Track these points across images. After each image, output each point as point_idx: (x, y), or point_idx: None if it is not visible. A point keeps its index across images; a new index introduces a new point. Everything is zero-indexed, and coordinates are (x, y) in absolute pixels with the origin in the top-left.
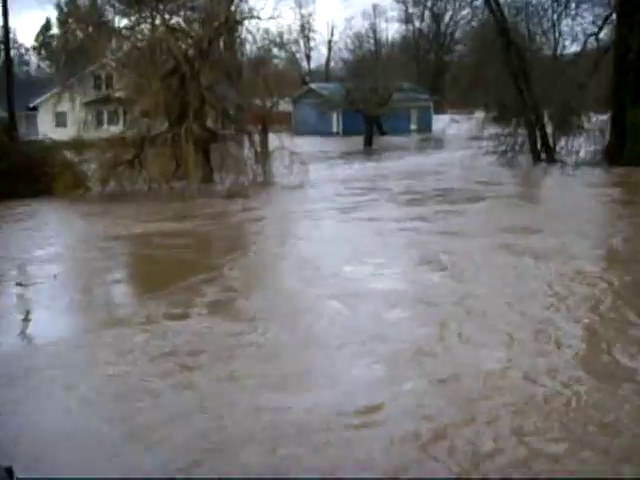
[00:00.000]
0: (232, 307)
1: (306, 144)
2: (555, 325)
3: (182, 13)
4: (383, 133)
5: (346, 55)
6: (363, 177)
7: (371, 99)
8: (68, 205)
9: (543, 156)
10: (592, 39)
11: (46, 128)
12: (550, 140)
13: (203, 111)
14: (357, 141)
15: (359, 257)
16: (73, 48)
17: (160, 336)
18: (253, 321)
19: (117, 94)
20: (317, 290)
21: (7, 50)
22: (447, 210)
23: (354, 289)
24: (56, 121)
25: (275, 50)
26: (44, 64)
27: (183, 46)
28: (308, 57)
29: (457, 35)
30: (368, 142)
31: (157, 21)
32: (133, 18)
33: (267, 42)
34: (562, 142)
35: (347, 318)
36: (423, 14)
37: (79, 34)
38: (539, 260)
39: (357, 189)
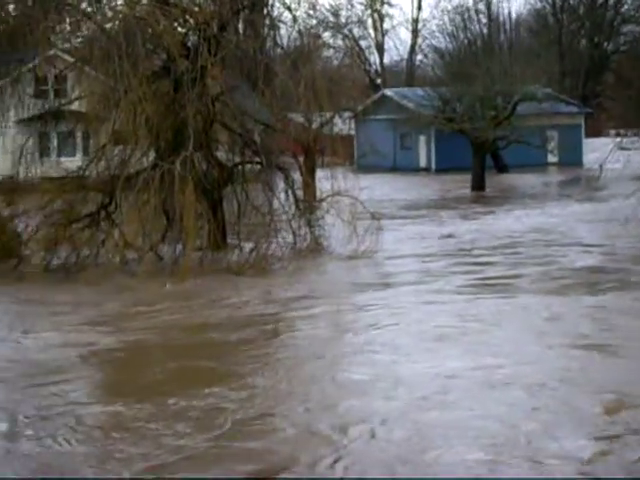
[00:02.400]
0: None
1: (377, 186)
2: None
3: None
4: (502, 169)
5: (442, 43)
6: (468, 245)
7: (483, 114)
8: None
9: None
10: None
11: None
12: None
13: (210, 134)
14: (459, 181)
15: None
16: (2, 31)
17: None
18: None
19: (74, 106)
20: None
21: None
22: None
23: None
24: None
25: (327, 36)
26: None
27: (179, 30)
28: (380, 47)
29: (625, 8)
30: (477, 184)
31: None
32: None
33: (314, 24)
34: None
35: None
36: None
37: (12, 9)
38: None
39: (455, 266)
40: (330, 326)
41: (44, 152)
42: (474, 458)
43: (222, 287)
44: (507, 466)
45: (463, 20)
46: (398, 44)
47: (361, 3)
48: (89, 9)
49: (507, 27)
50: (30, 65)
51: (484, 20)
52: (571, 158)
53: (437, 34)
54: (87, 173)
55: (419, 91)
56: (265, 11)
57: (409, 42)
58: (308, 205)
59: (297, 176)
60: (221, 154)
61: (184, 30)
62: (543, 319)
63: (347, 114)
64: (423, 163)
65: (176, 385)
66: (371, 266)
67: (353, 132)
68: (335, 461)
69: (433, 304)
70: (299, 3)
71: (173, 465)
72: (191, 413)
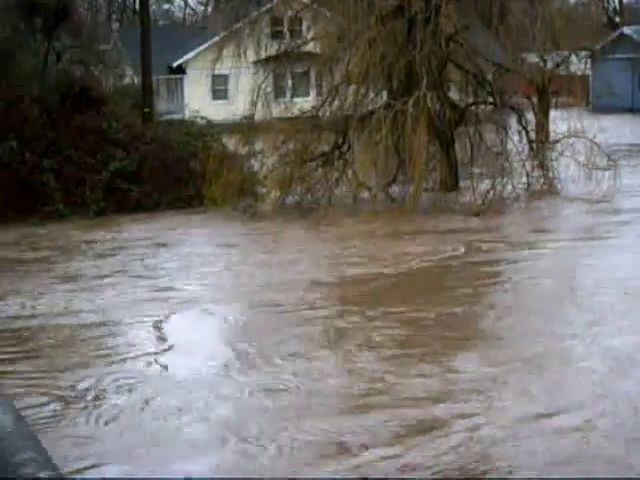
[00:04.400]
0: None
1: (614, 128)
2: None
3: None
4: None
5: None
6: None
7: None
8: (229, 224)
9: None
10: None
11: (197, 100)
12: None
13: (443, 75)
14: None
15: None
16: None
17: None
18: None
19: (308, 47)
20: None
21: None
22: None
23: None
24: (213, 90)
25: None
26: (194, 2)
27: None
28: None
29: None
30: None
31: None
32: None
33: None
34: None
35: None
36: None
37: None
38: None
39: None
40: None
41: (279, 92)
42: None
43: (457, 226)
44: None
45: None
46: None
47: None
48: None
49: None
50: (267, 6)
51: None
52: None
53: None
54: (321, 113)
55: None
56: None
57: None
58: (542, 146)
59: (531, 117)
60: (454, 94)
61: None
62: None
63: (583, 53)
64: None
65: None
66: (604, 212)
67: (589, 72)
68: None
69: None
70: None
71: None
72: None
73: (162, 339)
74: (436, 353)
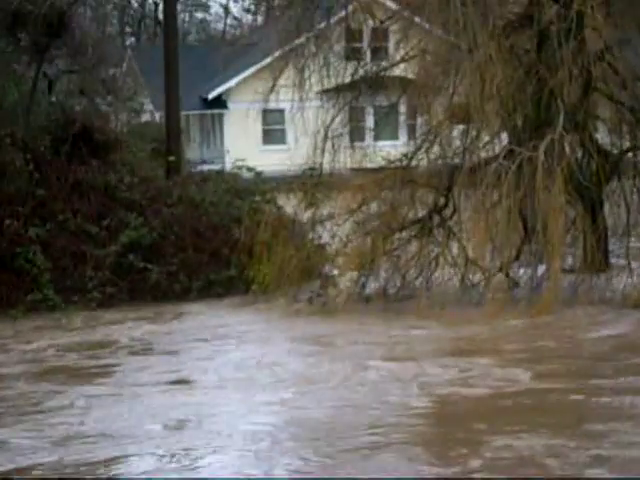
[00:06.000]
0: None
1: None
2: None
3: None
4: None
5: None
6: None
7: None
8: (288, 322)
9: None
10: None
11: (242, 145)
12: None
13: (588, 109)
14: None
15: None
16: None
17: None
18: None
19: (397, 72)
20: None
21: None
22: None
23: None
24: (264, 131)
25: None
26: (239, 10)
27: None
28: None
29: None
30: None
31: None
32: None
33: None
34: None
35: None
36: None
37: None
38: None
39: None
40: None
41: (356, 134)
42: None
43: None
44: None
45: None
46: None
47: None
48: None
49: None
50: (341, 15)
51: None
52: None
53: None
54: (414, 163)
55: None
56: None
57: None
58: None
59: None
60: (602, 136)
61: None
62: None
63: None
64: None
65: None
66: None
67: None
68: None
69: None
70: None
71: None
72: None
73: None
74: None
